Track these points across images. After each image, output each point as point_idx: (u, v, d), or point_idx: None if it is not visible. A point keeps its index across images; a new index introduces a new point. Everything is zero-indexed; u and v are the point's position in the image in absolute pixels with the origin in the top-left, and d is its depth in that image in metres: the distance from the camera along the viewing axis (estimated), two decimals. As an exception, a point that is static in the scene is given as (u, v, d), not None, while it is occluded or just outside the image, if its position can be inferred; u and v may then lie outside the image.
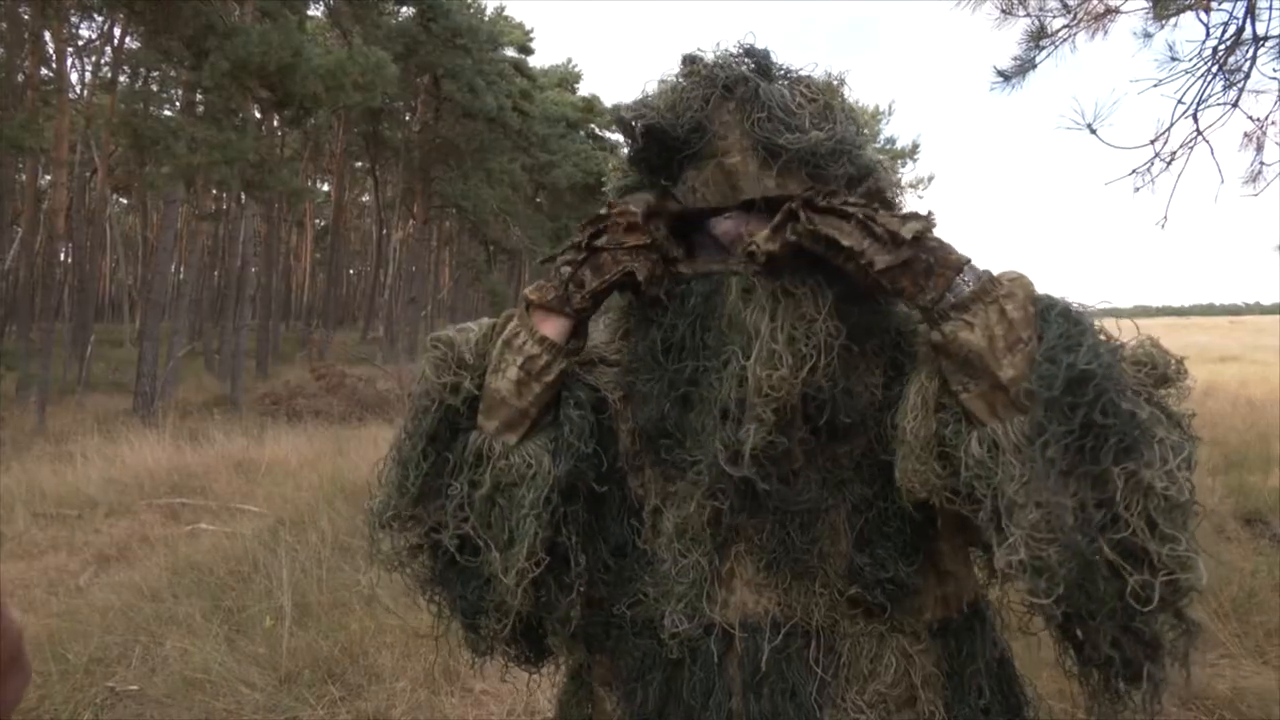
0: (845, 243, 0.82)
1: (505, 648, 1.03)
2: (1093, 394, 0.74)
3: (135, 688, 3.36)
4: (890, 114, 41.05)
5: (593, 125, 37.49)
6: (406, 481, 0.96)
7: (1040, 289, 0.82)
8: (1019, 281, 0.80)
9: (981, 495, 0.79)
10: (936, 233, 0.84)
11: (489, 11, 29.73)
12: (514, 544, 0.92)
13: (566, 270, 0.95)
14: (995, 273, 0.82)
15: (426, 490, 0.97)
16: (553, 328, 0.95)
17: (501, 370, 0.94)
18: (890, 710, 0.92)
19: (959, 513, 0.85)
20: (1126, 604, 0.74)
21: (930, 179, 42.36)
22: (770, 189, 0.90)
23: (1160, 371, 0.81)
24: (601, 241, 0.94)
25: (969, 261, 0.83)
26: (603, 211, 0.96)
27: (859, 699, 0.91)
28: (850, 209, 0.83)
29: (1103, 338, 0.79)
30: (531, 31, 32.88)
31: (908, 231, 0.81)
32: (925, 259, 0.82)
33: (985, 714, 0.95)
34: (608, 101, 38.11)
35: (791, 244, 0.84)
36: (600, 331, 1.08)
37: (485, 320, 1.02)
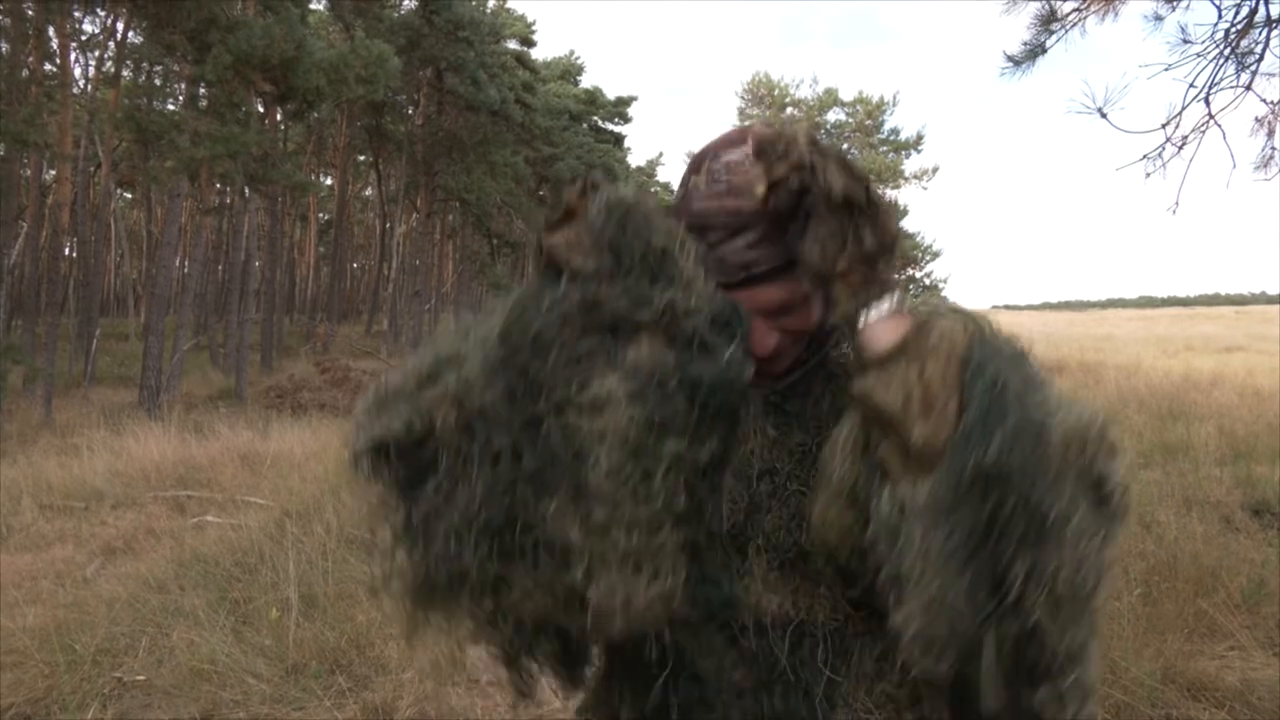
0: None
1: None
2: (1002, 491, 0.70)
3: (142, 678, 3.36)
4: (894, 105, 40.92)
5: (595, 118, 37.40)
6: None
7: (978, 339, 0.76)
8: (949, 337, 0.75)
9: (884, 555, 0.75)
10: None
11: (491, 4, 29.67)
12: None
13: None
14: (933, 311, 0.79)
15: None
16: None
17: None
18: (899, 710, 0.91)
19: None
20: (1012, 679, 0.73)
21: (935, 170, 42.22)
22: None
23: (1092, 448, 0.75)
24: None
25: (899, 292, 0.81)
26: None
27: (867, 700, 0.91)
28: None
29: (1034, 406, 0.74)
30: (534, 24, 32.82)
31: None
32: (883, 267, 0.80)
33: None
34: (610, 94, 38.07)
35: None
36: None
37: None
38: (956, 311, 0.80)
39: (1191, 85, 4.40)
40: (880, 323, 0.79)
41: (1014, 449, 0.71)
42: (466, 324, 0.83)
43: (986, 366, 0.74)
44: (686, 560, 0.77)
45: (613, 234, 0.77)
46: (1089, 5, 4.45)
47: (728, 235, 0.85)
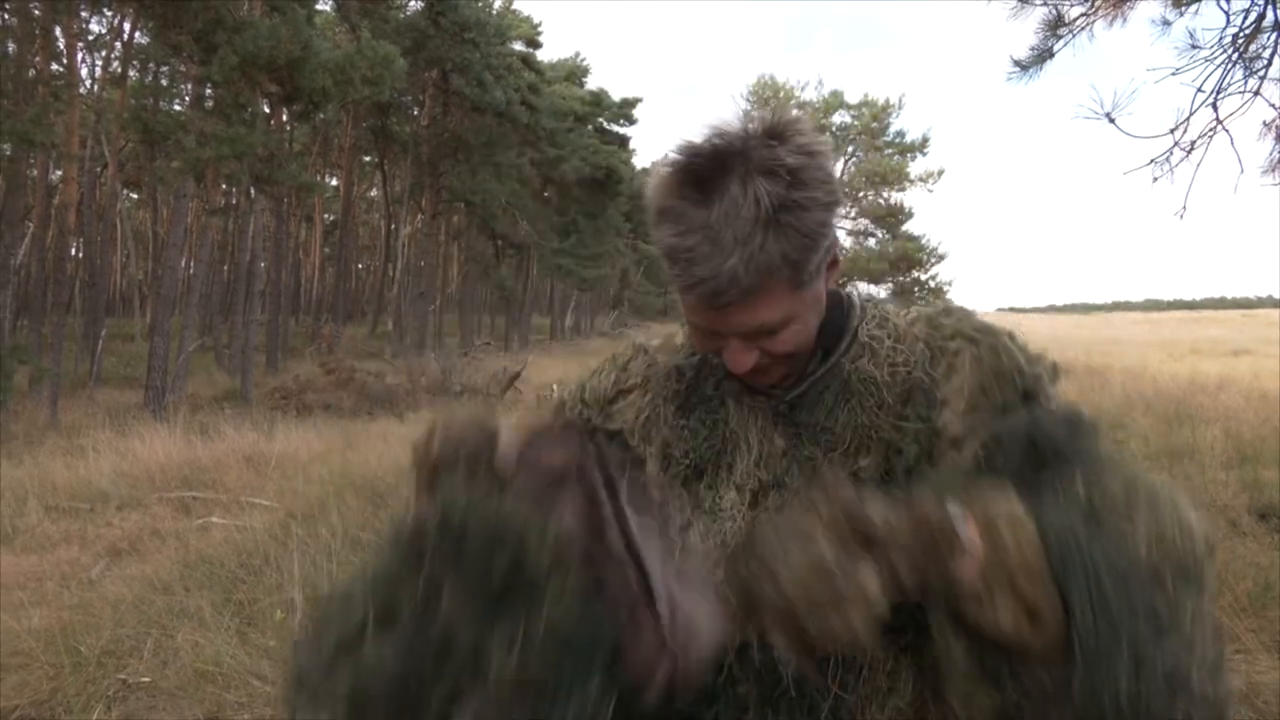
0: None
1: None
2: (1141, 700, 0.66)
3: (147, 680, 3.36)
4: (900, 108, 40.71)
5: (600, 119, 37.42)
6: None
7: (1041, 516, 0.70)
8: (1018, 528, 0.68)
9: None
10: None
11: (497, 5, 29.71)
12: None
13: None
14: (978, 498, 0.70)
15: None
16: None
17: None
18: None
19: None
20: None
21: (941, 173, 42.04)
22: None
23: (1181, 550, 0.71)
24: None
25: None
26: None
27: (879, 715, 0.90)
28: None
29: (1120, 537, 0.70)
30: (540, 25, 32.83)
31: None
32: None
33: None
34: (615, 95, 38.10)
35: None
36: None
37: None
38: (998, 489, 0.72)
39: (1199, 90, 4.40)
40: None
41: (1139, 658, 0.66)
42: (356, 584, 0.71)
43: (1068, 544, 0.69)
44: None
45: (449, 553, 0.66)
46: (1096, 10, 4.45)
47: None
